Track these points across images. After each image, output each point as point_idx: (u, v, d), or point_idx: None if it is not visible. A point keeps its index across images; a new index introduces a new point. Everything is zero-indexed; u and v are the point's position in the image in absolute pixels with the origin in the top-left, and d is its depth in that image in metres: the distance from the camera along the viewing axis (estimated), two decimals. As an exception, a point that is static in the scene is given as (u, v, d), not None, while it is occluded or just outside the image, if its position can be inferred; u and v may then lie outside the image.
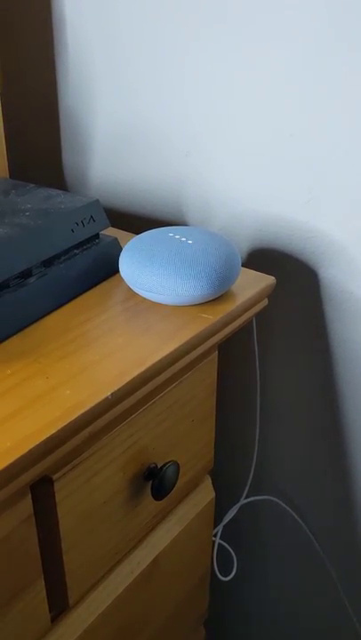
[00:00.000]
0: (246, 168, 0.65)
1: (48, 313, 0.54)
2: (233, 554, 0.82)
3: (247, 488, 0.79)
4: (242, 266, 0.58)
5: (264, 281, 0.58)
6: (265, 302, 0.59)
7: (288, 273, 0.67)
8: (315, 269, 0.65)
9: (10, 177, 0.74)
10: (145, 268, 0.54)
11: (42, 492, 0.45)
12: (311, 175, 0.61)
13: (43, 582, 0.49)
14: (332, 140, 0.59)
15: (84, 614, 0.55)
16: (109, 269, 0.59)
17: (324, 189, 0.61)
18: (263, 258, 0.68)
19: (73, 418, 0.42)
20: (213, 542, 0.76)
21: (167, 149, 0.70)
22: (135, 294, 0.56)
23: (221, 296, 0.56)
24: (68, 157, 0.79)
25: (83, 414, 0.42)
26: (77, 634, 0.54)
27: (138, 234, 0.58)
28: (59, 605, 0.52)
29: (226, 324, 0.54)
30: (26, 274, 0.53)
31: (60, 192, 0.60)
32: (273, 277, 0.59)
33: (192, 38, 0.63)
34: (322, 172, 0.60)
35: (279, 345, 0.72)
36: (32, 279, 0.53)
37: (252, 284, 0.58)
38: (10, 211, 0.56)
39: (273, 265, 0.67)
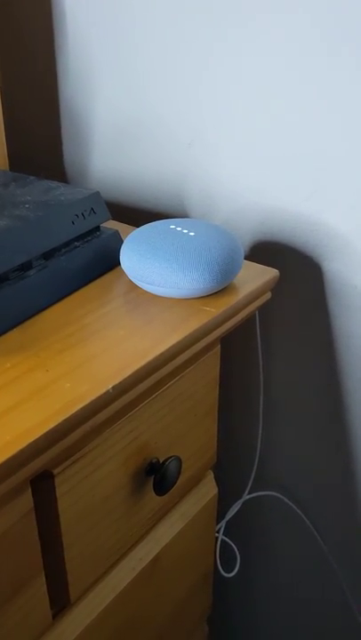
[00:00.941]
0: (249, 160, 0.64)
1: (48, 306, 0.53)
2: (236, 550, 0.81)
3: (250, 484, 0.78)
4: (244, 259, 0.57)
5: (267, 274, 0.58)
6: (268, 295, 0.58)
7: (291, 266, 0.66)
8: (318, 263, 0.64)
9: (10, 169, 0.74)
10: (146, 261, 0.53)
11: (42, 486, 0.45)
12: (315, 167, 0.60)
13: (43, 578, 0.48)
14: (337, 132, 0.58)
15: (85, 611, 0.55)
16: (110, 262, 0.58)
17: (329, 181, 0.60)
18: (266, 251, 0.67)
19: (73, 411, 0.41)
20: (216, 538, 0.75)
21: (169, 141, 0.69)
22: (136, 287, 0.56)
23: (224, 289, 0.55)
24: (68, 149, 0.78)
25: (83, 408, 0.42)
26: (79, 631, 0.54)
27: (139, 227, 0.58)
28: (60, 602, 0.52)
29: (228, 317, 0.54)
30: (26, 266, 0.52)
31: (60, 184, 0.60)
32: (276, 270, 0.58)
33: (195, 28, 0.62)
34: (327, 164, 0.60)
35: (282, 339, 0.72)
36: (32, 272, 0.53)
37: (255, 277, 0.57)
38: (10, 203, 0.56)
39: (276, 258, 0.66)
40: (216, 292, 0.54)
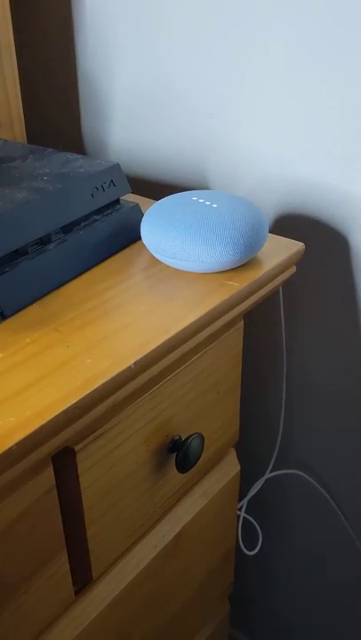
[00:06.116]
0: (273, 130, 0.62)
1: (68, 281, 0.52)
2: (258, 528, 0.81)
3: (272, 462, 0.77)
4: (269, 232, 0.55)
5: (293, 247, 0.56)
6: (293, 269, 0.57)
7: (316, 239, 0.64)
8: (345, 235, 0.62)
9: (27, 142, 0.72)
10: (168, 234, 0.51)
11: (64, 463, 0.44)
12: (343, 136, 0.58)
13: (66, 555, 0.48)
14: (364, 97, 0.56)
15: (107, 588, 0.55)
16: (131, 236, 0.57)
17: (357, 151, 0.58)
18: (291, 224, 0.65)
19: (95, 387, 0.40)
20: (238, 516, 0.75)
21: (190, 113, 0.67)
22: (158, 261, 0.54)
23: (248, 263, 0.53)
24: (86, 122, 0.77)
25: (104, 384, 0.41)
26: (101, 607, 0.54)
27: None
28: (82, 579, 0.52)
29: (253, 291, 0.52)
30: (45, 240, 0.51)
31: (79, 156, 0.58)
32: (302, 243, 0.56)
33: (216, -9, 0.60)
34: (355, 133, 0.57)
35: (306, 314, 0.70)
36: (51, 245, 0.51)
37: (280, 251, 0.55)
38: (28, 175, 0.54)
39: (301, 231, 0.64)
40: (240, 266, 0.53)
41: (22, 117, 0.69)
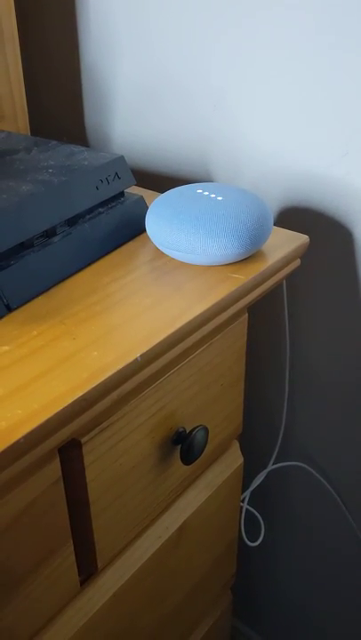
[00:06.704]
0: (276, 122, 0.62)
1: (73, 273, 0.52)
2: (261, 520, 0.81)
3: (275, 454, 0.77)
4: (273, 225, 0.55)
5: (297, 240, 0.56)
6: (298, 262, 0.57)
7: (320, 233, 0.64)
8: (349, 229, 0.62)
9: (31, 135, 0.72)
10: (173, 227, 0.51)
11: (70, 455, 0.45)
12: (347, 128, 0.58)
13: (72, 546, 0.48)
14: (370, 90, 0.55)
15: (112, 578, 0.55)
16: (136, 228, 0.57)
17: (361, 143, 0.58)
18: (294, 217, 0.65)
19: (101, 380, 0.40)
20: (241, 508, 0.75)
21: (193, 105, 0.67)
22: (163, 254, 0.54)
23: (252, 256, 0.53)
24: (89, 115, 0.76)
25: (111, 376, 0.41)
26: (106, 598, 0.54)
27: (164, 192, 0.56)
28: (87, 569, 0.52)
29: (258, 284, 0.52)
30: (50, 233, 0.51)
31: (83, 148, 0.58)
32: (306, 236, 0.56)
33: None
34: (358, 125, 0.57)
35: (310, 308, 0.70)
36: (56, 238, 0.51)
37: (285, 244, 0.55)
38: (32, 168, 0.54)
39: (305, 224, 0.64)
40: (245, 259, 0.53)
41: (26, 110, 0.68)
